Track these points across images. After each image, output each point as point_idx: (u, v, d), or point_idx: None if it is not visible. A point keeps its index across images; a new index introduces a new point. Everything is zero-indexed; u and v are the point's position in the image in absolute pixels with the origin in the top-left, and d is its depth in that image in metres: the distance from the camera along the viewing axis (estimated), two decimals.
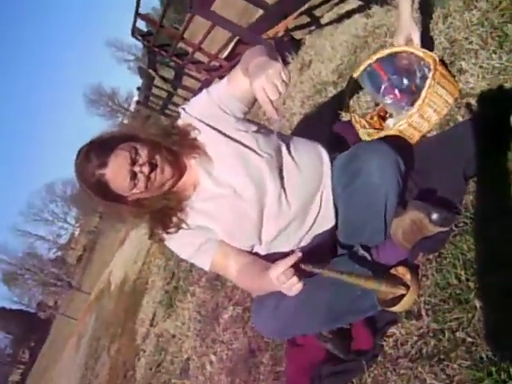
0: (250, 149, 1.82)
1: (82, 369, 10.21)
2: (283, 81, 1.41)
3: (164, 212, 1.84)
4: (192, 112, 1.87)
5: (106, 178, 1.72)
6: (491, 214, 1.58)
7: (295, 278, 1.45)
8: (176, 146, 1.84)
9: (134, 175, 1.72)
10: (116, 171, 1.71)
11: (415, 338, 1.60)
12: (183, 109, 1.90)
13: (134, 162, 1.72)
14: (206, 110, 1.85)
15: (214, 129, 1.83)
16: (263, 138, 1.87)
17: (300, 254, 1.47)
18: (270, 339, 2.34)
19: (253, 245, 1.87)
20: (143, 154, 1.73)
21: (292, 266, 1.46)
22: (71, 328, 25.18)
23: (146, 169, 1.72)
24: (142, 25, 6.02)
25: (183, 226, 1.86)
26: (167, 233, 1.86)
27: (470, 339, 1.44)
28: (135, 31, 5.80)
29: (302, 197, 1.84)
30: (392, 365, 1.64)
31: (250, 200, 1.80)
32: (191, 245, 1.86)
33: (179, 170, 1.83)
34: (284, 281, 1.46)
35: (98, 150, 1.74)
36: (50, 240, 54.82)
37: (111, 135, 1.82)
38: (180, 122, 1.89)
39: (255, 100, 1.84)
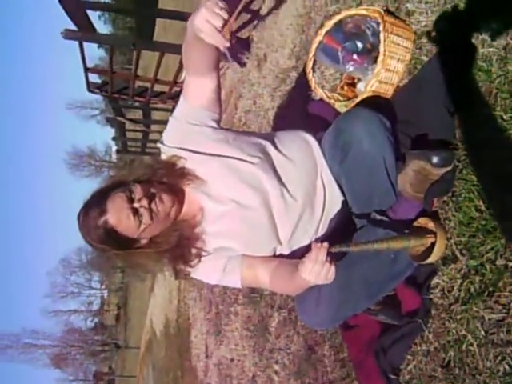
0: (237, 159, 1.82)
1: None
2: (222, 7, 1.43)
3: (182, 246, 1.83)
4: (169, 143, 1.87)
5: (110, 224, 1.70)
6: (484, 137, 1.58)
7: (327, 266, 1.46)
8: (166, 179, 1.84)
9: (135, 212, 1.70)
10: (117, 213, 1.70)
11: (459, 281, 1.60)
12: (161, 143, 1.89)
13: (131, 200, 1.71)
14: (179, 132, 1.85)
15: (196, 152, 1.83)
16: (246, 144, 1.87)
17: (319, 244, 1.48)
18: (324, 330, 2.35)
19: (274, 248, 1.86)
20: (137, 190, 1.72)
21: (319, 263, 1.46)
22: None
23: (144, 202, 1.70)
24: (95, 78, 6.00)
25: (203, 253, 1.86)
26: (190, 266, 1.86)
27: (511, 263, 1.44)
28: (90, 86, 5.81)
29: (304, 187, 1.84)
30: (447, 314, 1.64)
31: (255, 207, 1.80)
32: (216, 269, 1.85)
33: (178, 197, 1.82)
34: (317, 275, 1.47)
35: (94, 203, 1.74)
36: (83, 310, 54.85)
37: (101, 188, 1.82)
38: (163, 156, 1.89)
39: (218, 101, 1.87)
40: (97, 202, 1.73)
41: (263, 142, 1.90)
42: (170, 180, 1.84)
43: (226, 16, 1.44)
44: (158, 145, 1.91)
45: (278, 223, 1.83)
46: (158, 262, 1.87)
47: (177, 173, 1.84)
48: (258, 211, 1.80)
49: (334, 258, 1.49)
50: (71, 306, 53.50)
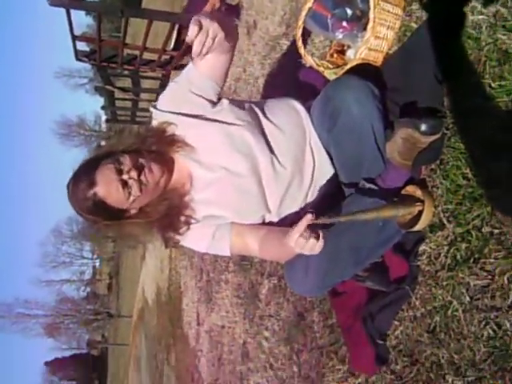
0: (229, 123, 1.82)
1: None
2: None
3: (171, 214, 1.84)
4: (164, 107, 1.86)
5: (99, 196, 1.70)
6: (473, 105, 1.59)
7: (313, 238, 1.47)
8: (155, 147, 1.83)
9: (125, 183, 1.70)
10: (107, 185, 1.70)
11: (446, 248, 1.62)
12: (154, 106, 1.88)
13: (120, 172, 1.70)
14: (178, 98, 1.84)
15: (190, 115, 1.83)
16: (238, 109, 1.87)
17: (310, 215, 1.48)
18: (313, 297, 2.38)
19: (263, 215, 1.87)
20: (126, 161, 1.72)
21: (306, 227, 1.47)
22: (126, 354, 25.42)
23: (134, 173, 1.71)
24: (82, 46, 5.92)
25: (192, 221, 1.86)
26: (179, 234, 1.87)
27: (496, 230, 1.46)
28: (78, 54, 5.73)
29: (293, 155, 1.84)
30: (434, 280, 1.67)
31: (245, 174, 1.80)
32: (205, 237, 1.86)
33: (167, 166, 1.82)
34: (304, 245, 1.48)
35: (83, 174, 1.73)
36: (75, 280, 55.02)
37: (90, 158, 1.82)
38: (154, 123, 1.88)
39: (225, 75, 1.88)
40: (86, 173, 1.72)
41: (254, 109, 1.90)
42: (160, 148, 1.83)
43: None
44: (151, 109, 1.90)
45: (266, 191, 1.83)
46: (147, 231, 1.88)
47: (167, 140, 1.83)
48: (248, 178, 1.80)
49: (322, 227, 1.50)
50: (63, 276, 53.64)
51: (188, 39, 1.45)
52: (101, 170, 1.71)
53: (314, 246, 1.49)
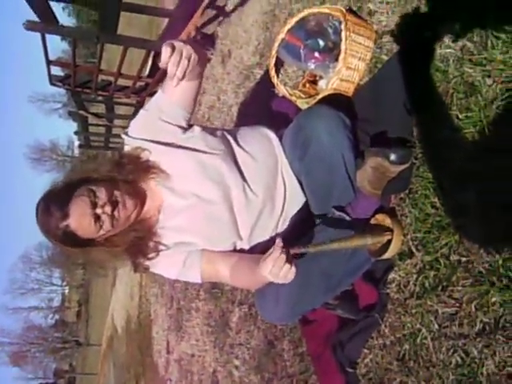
0: (202, 151, 1.82)
1: None
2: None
3: (138, 243, 1.83)
4: (135, 134, 1.85)
5: (71, 228, 1.70)
6: (441, 136, 1.62)
7: (287, 266, 1.46)
8: (131, 175, 1.82)
9: (97, 218, 1.70)
10: (79, 219, 1.69)
11: (415, 276, 1.64)
12: (126, 133, 1.88)
13: (94, 205, 1.69)
14: (148, 126, 1.84)
15: (161, 143, 1.83)
16: (211, 137, 1.88)
17: (281, 244, 1.48)
18: (283, 325, 2.37)
19: (234, 243, 1.87)
20: (101, 194, 1.71)
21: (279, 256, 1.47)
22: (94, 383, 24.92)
23: (108, 208, 1.70)
24: (57, 71, 5.90)
25: (161, 247, 1.85)
26: (148, 259, 1.85)
27: (464, 258, 1.48)
28: (52, 79, 5.71)
29: (265, 182, 1.85)
30: (403, 308, 1.68)
31: (216, 201, 1.81)
32: (175, 263, 1.85)
33: (141, 199, 1.82)
34: (276, 275, 1.48)
35: (56, 201, 1.71)
36: (43, 307, 53.98)
37: (65, 184, 1.79)
38: (127, 149, 1.88)
39: (195, 101, 1.88)
40: (59, 203, 1.70)
41: (226, 137, 1.91)
42: (135, 176, 1.82)
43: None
44: (123, 136, 1.89)
45: (238, 218, 1.84)
46: (115, 257, 1.87)
47: (141, 166, 1.83)
48: (219, 206, 1.80)
49: (293, 257, 1.51)
50: (31, 303, 52.58)
51: (162, 61, 1.46)
52: (75, 202, 1.70)
53: (286, 274, 1.48)
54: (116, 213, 1.72)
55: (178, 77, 1.49)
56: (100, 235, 1.75)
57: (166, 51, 1.44)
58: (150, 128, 1.83)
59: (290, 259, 1.48)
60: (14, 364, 47.86)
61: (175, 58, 1.46)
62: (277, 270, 1.47)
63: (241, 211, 1.83)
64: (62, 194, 1.73)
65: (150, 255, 1.84)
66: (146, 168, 1.83)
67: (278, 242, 1.49)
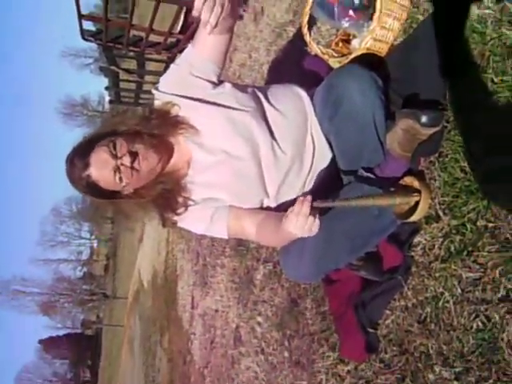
0: (232, 108, 1.82)
1: (142, 369, 10.38)
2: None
3: (165, 196, 1.85)
4: (165, 89, 1.85)
5: (93, 178, 1.73)
6: (474, 100, 1.60)
7: (310, 219, 1.47)
8: (158, 129, 1.83)
9: (117, 169, 1.72)
10: (99, 169, 1.72)
11: (440, 240, 1.64)
12: (156, 88, 1.87)
13: (114, 156, 1.72)
14: (179, 81, 1.83)
15: (192, 98, 1.83)
16: (241, 94, 1.87)
17: (307, 197, 1.49)
18: (307, 284, 2.39)
19: (261, 200, 1.88)
20: (121, 146, 1.73)
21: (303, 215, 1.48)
22: (120, 335, 25.56)
23: (126, 160, 1.71)
24: (89, 25, 5.90)
25: (190, 203, 1.87)
26: (177, 214, 1.88)
27: (491, 224, 1.47)
28: (84, 34, 5.70)
29: (294, 141, 1.85)
30: (426, 271, 1.68)
31: (245, 158, 1.81)
32: (203, 219, 1.87)
33: (166, 152, 1.83)
34: (301, 228, 1.48)
35: (80, 152, 1.75)
36: (72, 260, 55.17)
37: (91, 136, 1.82)
38: (157, 103, 1.88)
39: (225, 56, 1.86)
40: (82, 153, 1.74)
41: (257, 94, 1.90)
42: (163, 130, 1.83)
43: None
44: (153, 91, 1.89)
45: (266, 175, 1.84)
46: (143, 209, 1.89)
47: (170, 121, 1.83)
48: (248, 162, 1.81)
49: (318, 212, 1.51)
50: (61, 255, 53.80)
51: (195, 8, 1.44)
52: (96, 152, 1.73)
53: (310, 227, 1.49)
54: (136, 164, 1.73)
55: (211, 23, 1.47)
56: (123, 187, 1.77)
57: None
58: (181, 83, 1.83)
59: (314, 212, 1.48)
60: (44, 313, 49.33)
61: (208, 4, 1.44)
62: (300, 222, 1.48)
63: (269, 168, 1.83)
64: (86, 146, 1.77)
65: (179, 210, 1.86)
66: (175, 123, 1.83)
67: (304, 197, 1.50)
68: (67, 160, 1.78)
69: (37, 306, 48.43)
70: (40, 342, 52.84)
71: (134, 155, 1.73)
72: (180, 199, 1.86)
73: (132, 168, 1.73)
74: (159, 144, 1.81)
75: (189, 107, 1.82)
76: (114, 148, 1.72)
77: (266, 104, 1.87)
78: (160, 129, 1.83)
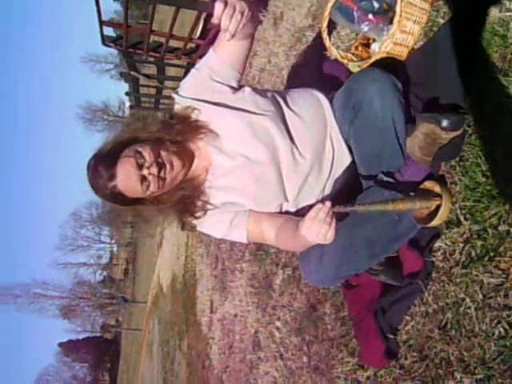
0: (251, 112, 1.82)
1: (161, 373, 10.40)
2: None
3: (185, 201, 1.86)
4: (186, 93, 1.86)
5: (119, 189, 1.74)
6: (495, 103, 1.58)
7: (326, 226, 1.46)
8: (180, 135, 1.84)
9: (143, 179, 1.73)
10: (126, 180, 1.73)
11: (461, 245, 1.62)
12: (176, 93, 1.89)
13: (140, 166, 1.72)
14: (199, 86, 1.84)
15: (212, 103, 1.83)
16: (260, 98, 1.87)
17: (326, 203, 1.48)
18: (326, 289, 2.39)
19: (281, 204, 1.88)
20: (147, 155, 1.73)
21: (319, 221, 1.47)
22: (139, 339, 25.63)
23: (154, 170, 1.73)
24: (109, 31, 5.97)
25: (209, 207, 1.87)
26: (196, 218, 1.89)
27: None
28: (104, 39, 5.77)
29: (313, 145, 1.84)
30: (447, 277, 1.66)
31: (264, 162, 1.81)
32: (222, 223, 1.88)
33: (188, 158, 1.84)
34: (316, 234, 1.47)
35: (105, 162, 1.75)
36: (92, 264, 55.63)
37: (113, 143, 1.82)
38: (177, 107, 1.89)
39: (245, 61, 1.87)
40: (107, 163, 1.75)
41: (276, 98, 1.90)
42: (184, 136, 1.84)
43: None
44: (173, 95, 1.90)
45: (285, 180, 1.84)
46: (163, 214, 1.91)
47: (191, 126, 1.84)
48: (267, 167, 1.81)
49: (337, 217, 1.50)
50: (81, 259, 54.29)
51: (215, 16, 1.45)
52: (122, 163, 1.74)
53: (326, 233, 1.47)
54: (162, 173, 1.75)
55: (230, 31, 1.47)
56: (148, 195, 1.79)
57: (219, 6, 1.44)
58: (201, 87, 1.84)
59: (331, 218, 1.47)
60: (64, 317, 49.77)
61: (228, 12, 1.45)
62: (316, 228, 1.46)
63: (288, 173, 1.83)
64: (110, 155, 1.77)
65: (198, 214, 1.87)
66: (195, 128, 1.84)
67: (319, 201, 1.49)
68: (90, 168, 1.78)
69: (57, 310, 48.86)
70: (60, 345, 53.31)
71: (160, 165, 1.74)
72: (199, 203, 1.86)
73: (158, 177, 1.74)
74: (182, 151, 1.82)
75: (209, 111, 1.83)
76: (141, 158, 1.73)
77: (285, 108, 1.87)
78: (181, 134, 1.84)
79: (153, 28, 5.31)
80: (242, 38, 1.69)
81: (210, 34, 5.34)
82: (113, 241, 58.86)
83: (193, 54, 6.11)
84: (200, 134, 1.84)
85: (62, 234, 52.19)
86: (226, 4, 1.45)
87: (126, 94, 8.86)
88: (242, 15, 1.48)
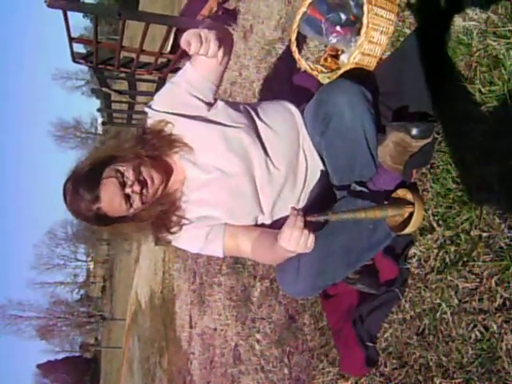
0: (225, 125, 1.82)
1: None
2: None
3: (162, 216, 1.85)
4: (160, 107, 1.85)
5: (103, 210, 1.71)
6: (463, 110, 1.60)
7: (305, 233, 1.45)
8: (156, 150, 1.82)
9: (127, 197, 1.71)
10: (110, 200, 1.70)
11: (435, 251, 1.64)
12: (149, 107, 1.87)
13: (123, 186, 1.70)
14: (174, 99, 1.84)
15: (186, 116, 1.83)
16: (233, 111, 1.87)
17: (299, 211, 1.48)
18: (304, 299, 2.39)
19: (256, 217, 1.88)
20: (129, 173, 1.71)
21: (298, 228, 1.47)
22: (119, 357, 25.34)
23: (137, 188, 1.71)
24: (79, 48, 5.94)
25: (184, 221, 1.87)
26: (171, 233, 1.88)
27: (485, 234, 1.47)
28: (75, 56, 5.73)
29: (287, 157, 1.85)
30: (423, 283, 1.68)
31: (239, 175, 1.81)
32: (198, 237, 1.87)
33: (166, 172, 1.83)
34: (296, 242, 1.46)
35: (86, 184, 1.70)
36: (69, 282, 54.92)
37: (90, 164, 1.77)
38: (150, 122, 1.87)
39: (222, 75, 1.89)
40: (88, 185, 1.69)
41: (249, 111, 1.91)
42: (160, 150, 1.83)
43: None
44: (146, 109, 1.89)
45: (260, 193, 1.84)
46: (141, 230, 1.89)
47: (165, 140, 1.83)
48: (242, 180, 1.81)
49: (313, 227, 1.50)
50: (57, 278, 53.57)
51: (182, 43, 1.48)
52: (105, 184, 1.69)
53: (306, 241, 1.46)
54: (145, 190, 1.73)
55: (204, 55, 1.52)
56: (130, 213, 1.77)
57: (184, 45, 1.48)
58: (176, 101, 1.84)
59: (309, 227, 1.47)
60: (42, 337, 48.95)
61: (195, 47, 1.48)
62: (296, 236, 1.45)
63: (263, 185, 1.83)
64: (90, 176, 1.72)
65: (173, 229, 1.86)
66: (170, 142, 1.83)
67: (296, 210, 1.49)
68: (69, 191, 1.74)
69: (34, 331, 48.07)
70: (38, 366, 52.40)
71: (142, 182, 1.73)
72: (174, 218, 1.85)
73: (141, 194, 1.73)
74: (160, 165, 1.81)
75: (183, 125, 1.82)
76: (123, 177, 1.71)
77: (258, 121, 1.88)
78: (157, 149, 1.83)
79: (123, 44, 5.28)
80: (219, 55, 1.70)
81: (180, 49, 5.34)
82: (89, 258, 58.28)
83: (164, 69, 6.09)
84: (175, 147, 1.84)
85: (37, 252, 51.53)
86: (189, 42, 1.48)
87: (98, 110, 8.77)
88: (211, 42, 1.50)
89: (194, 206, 1.86)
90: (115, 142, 1.94)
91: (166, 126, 1.84)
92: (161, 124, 1.84)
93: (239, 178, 1.81)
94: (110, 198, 1.70)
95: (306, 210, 1.53)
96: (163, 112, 1.84)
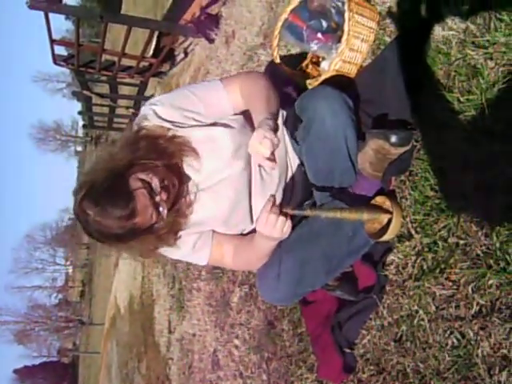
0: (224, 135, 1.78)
1: None
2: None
3: (175, 223, 1.76)
4: (167, 116, 1.76)
5: (138, 225, 1.59)
6: (442, 119, 1.62)
7: (281, 219, 1.49)
8: (169, 155, 1.72)
9: (157, 207, 1.63)
10: (144, 213, 1.59)
11: (413, 258, 1.65)
12: (154, 112, 1.77)
13: (152, 196, 1.61)
14: (187, 109, 1.78)
15: (187, 126, 1.77)
16: (227, 121, 1.83)
17: (275, 198, 1.53)
18: (283, 306, 2.39)
19: (245, 227, 1.88)
20: (154, 182, 1.63)
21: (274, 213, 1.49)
22: (97, 362, 25.14)
23: (164, 195, 1.63)
24: (61, 50, 5.91)
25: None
26: (170, 246, 1.80)
27: (462, 241, 1.49)
28: (56, 58, 5.71)
29: (279, 165, 1.84)
30: (401, 290, 1.69)
31: (241, 185, 1.80)
32: (185, 244, 1.83)
33: (181, 176, 1.75)
34: (272, 226, 1.49)
35: (115, 200, 1.55)
36: (47, 286, 54.39)
37: (109, 178, 1.60)
38: (150, 125, 1.76)
39: None
40: (120, 202, 1.55)
41: (239, 120, 1.88)
42: (171, 155, 1.73)
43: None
44: (148, 111, 1.78)
45: (254, 202, 1.84)
46: (161, 241, 1.77)
47: (175, 144, 1.74)
48: (242, 189, 1.80)
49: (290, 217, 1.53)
50: (35, 282, 53.03)
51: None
52: (136, 197, 1.57)
53: (283, 226, 1.49)
54: (171, 196, 1.67)
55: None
56: (158, 222, 1.67)
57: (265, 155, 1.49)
58: (188, 111, 1.79)
59: (284, 214, 1.50)
60: (19, 342, 48.38)
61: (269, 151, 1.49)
62: (272, 219, 1.48)
63: (257, 195, 1.83)
64: (118, 190, 1.57)
65: (178, 237, 1.81)
66: (179, 145, 1.75)
67: (271, 195, 1.53)
68: (90, 210, 1.55)
69: (11, 335, 47.53)
70: (15, 371, 51.74)
71: (166, 189, 1.65)
72: (184, 224, 1.80)
73: (167, 200, 1.66)
74: (175, 169, 1.74)
75: (187, 132, 1.76)
76: (150, 186, 1.61)
77: (249, 131, 1.86)
78: (171, 154, 1.73)
79: (105, 47, 5.28)
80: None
81: (162, 53, 5.34)
82: (68, 262, 57.78)
83: (146, 73, 6.09)
84: (184, 151, 1.76)
85: (15, 256, 50.97)
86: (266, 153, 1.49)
87: (79, 113, 8.77)
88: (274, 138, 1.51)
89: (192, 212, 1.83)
90: (122, 149, 1.74)
91: (168, 131, 1.76)
92: (163, 128, 1.75)
93: (239, 186, 1.80)
94: (143, 211, 1.58)
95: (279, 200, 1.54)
96: (169, 121, 1.77)
